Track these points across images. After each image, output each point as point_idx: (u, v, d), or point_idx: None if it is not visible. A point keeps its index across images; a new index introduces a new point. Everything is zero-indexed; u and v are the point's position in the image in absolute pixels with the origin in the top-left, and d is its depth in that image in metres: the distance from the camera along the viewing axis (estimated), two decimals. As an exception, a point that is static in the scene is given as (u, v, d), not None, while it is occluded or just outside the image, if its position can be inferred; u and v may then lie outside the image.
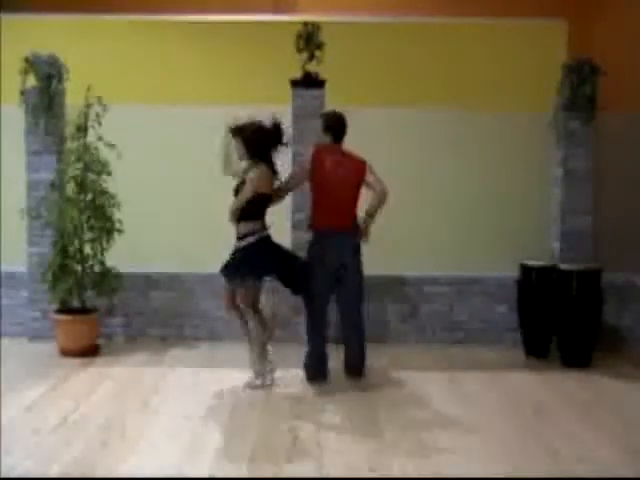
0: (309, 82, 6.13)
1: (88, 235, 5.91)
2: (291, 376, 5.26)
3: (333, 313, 5.42)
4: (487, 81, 7.21)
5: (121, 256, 5.99)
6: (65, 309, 5.97)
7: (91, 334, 5.95)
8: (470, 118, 6.52)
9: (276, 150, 5.13)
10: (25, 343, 6.18)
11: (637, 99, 6.98)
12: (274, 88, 6.42)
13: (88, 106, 5.88)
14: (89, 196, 5.89)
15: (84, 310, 5.97)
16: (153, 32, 7.45)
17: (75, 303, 5.98)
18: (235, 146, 5.10)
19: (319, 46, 6.07)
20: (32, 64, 6.04)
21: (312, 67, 6.13)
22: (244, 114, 5.07)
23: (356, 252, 5.24)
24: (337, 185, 5.17)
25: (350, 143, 5.36)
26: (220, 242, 6.43)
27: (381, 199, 5.17)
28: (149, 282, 6.40)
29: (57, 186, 6.01)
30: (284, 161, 6.23)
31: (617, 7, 7.96)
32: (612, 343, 6.15)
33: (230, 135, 5.12)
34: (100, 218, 5.88)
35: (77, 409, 4.56)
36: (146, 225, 6.37)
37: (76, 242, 5.90)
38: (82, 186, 5.89)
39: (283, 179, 5.27)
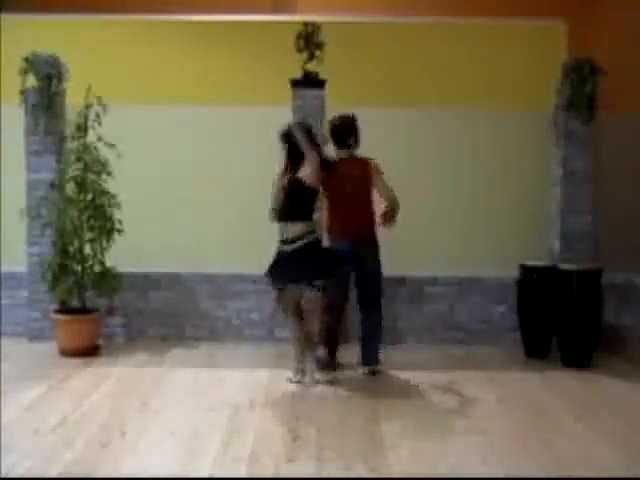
0: (309, 82, 6.12)
1: (88, 235, 5.90)
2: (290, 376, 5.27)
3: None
4: (487, 81, 7.22)
5: (121, 256, 5.99)
6: (65, 309, 5.97)
7: (91, 334, 5.94)
8: (470, 118, 6.52)
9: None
10: (25, 343, 6.18)
11: (637, 99, 6.98)
12: (274, 88, 6.43)
13: (88, 106, 5.87)
14: (89, 196, 5.88)
15: (84, 310, 5.97)
16: (153, 32, 7.47)
17: (75, 303, 5.98)
18: None
19: (319, 46, 6.06)
20: (32, 64, 6.04)
21: (312, 67, 6.13)
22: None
23: None
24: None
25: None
26: (220, 242, 6.48)
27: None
28: (149, 282, 6.40)
29: (57, 186, 6.00)
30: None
31: (616, 7, 7.96)
32: (612, 343, 6.14)
33: None
34: (100, 218, 5.87)
35: (77, 409, 4.56)
36: (146, 225, 6.37)
37: (76, 242, 5.89)
38: (82, 186, 5.89)
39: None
